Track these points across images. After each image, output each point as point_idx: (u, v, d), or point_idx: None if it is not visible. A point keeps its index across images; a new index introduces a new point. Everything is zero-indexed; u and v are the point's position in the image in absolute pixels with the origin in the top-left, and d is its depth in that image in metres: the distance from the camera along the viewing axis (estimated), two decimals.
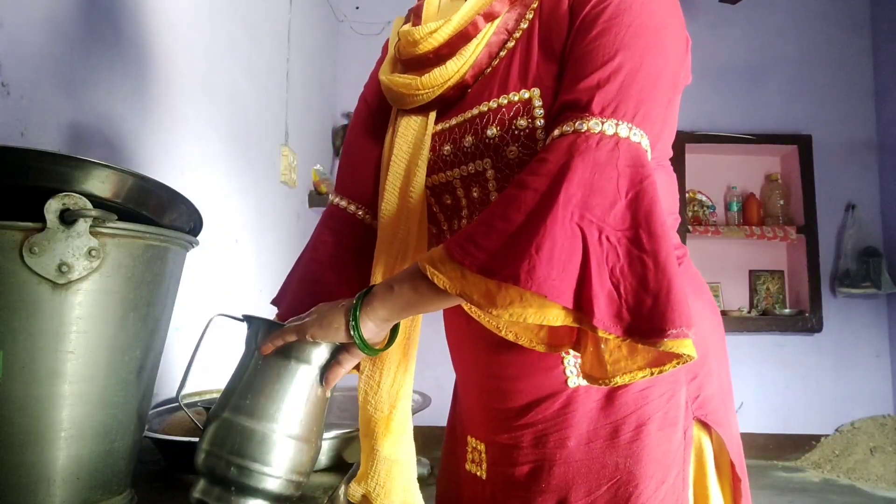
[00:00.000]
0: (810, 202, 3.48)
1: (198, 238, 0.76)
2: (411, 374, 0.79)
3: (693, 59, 0.79)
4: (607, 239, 0.56)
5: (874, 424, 3.41)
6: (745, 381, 3.50)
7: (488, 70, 0.75)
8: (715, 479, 0.71)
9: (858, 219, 3.50)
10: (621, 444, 0.68)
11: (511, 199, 0.59)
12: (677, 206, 0.80)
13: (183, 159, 1.62)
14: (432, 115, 0.79)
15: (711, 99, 3.57)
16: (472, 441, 0.82)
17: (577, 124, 0.60)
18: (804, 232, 3.46)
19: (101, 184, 0.62)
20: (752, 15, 3.63)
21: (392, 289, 0.65)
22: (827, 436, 3.47)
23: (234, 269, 2.02)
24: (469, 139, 0.73)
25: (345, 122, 3.53)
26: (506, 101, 0.70)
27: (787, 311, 3.51)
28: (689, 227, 3.47)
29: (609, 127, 0.59)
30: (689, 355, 0.53)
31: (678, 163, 3.51)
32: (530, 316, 0.55)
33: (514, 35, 0.74)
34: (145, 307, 0.67)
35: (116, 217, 0.60)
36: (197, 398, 1.26)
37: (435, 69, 0.75)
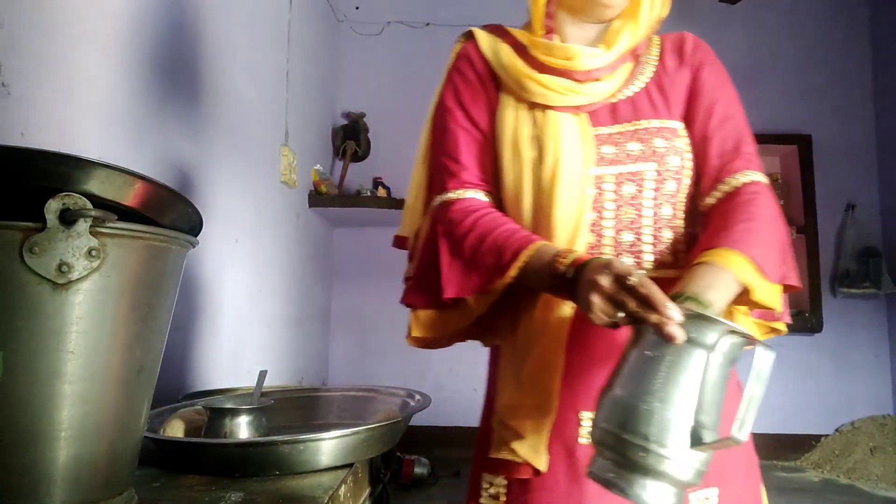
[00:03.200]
0: (810, 202, 3.48)
1: (198, 238, 0.76)
2: None
3: None
4: None
5: (874, 424, 3.42)
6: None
7: (623, 97, 0.96)
8: None
9: (858, 219, 3.50)
10: None
11: (776, 228, 0.89)
12: None
13: (183, 159, 1.62)
14: (584, 116, 0.94)
15: None
16: (584, 415, 0.90)
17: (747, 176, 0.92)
18: (804, 232, 3.46)
19: (101, 184, 0.62)
20: (751, 15, 3.63)
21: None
22: (827, 436, 3.47)
23: (234, 269, 2.02)
24: (636, 146, 0.93)
25: (344, 122, 3.51)
26: (662, 125, 0.94)
27: None
28: None
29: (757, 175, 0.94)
30: None
31: None
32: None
33: (641, 77, 0.98)
34: (145, 307, 0.67)
35: (116, 217, 0.60)
36: (200, 398, 1.26)
37: (590, 83, 0.93)
